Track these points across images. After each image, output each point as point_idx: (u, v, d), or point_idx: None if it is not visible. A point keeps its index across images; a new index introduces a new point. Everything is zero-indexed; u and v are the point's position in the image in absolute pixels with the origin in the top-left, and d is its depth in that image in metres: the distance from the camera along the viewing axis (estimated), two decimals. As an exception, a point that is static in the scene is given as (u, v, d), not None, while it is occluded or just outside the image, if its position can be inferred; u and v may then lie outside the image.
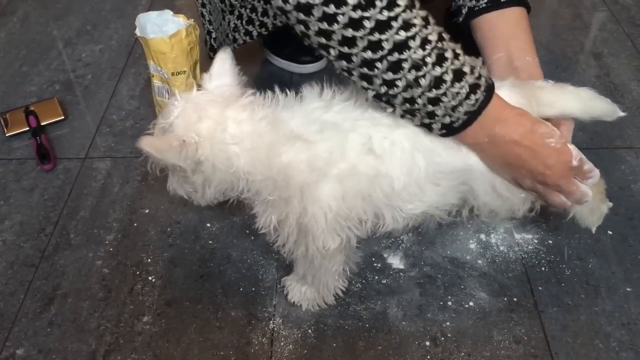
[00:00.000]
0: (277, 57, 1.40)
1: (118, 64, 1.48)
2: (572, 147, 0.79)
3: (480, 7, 0.98)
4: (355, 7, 0.65)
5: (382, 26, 0.66)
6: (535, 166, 0.78)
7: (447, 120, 0.74)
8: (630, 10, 1.61)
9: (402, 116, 0.75)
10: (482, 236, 1.05)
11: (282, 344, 0.91)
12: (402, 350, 0.90)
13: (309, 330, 0.92)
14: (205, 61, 1.31)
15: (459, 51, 0.72)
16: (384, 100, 0.74)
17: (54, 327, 0.94)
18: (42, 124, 1.29)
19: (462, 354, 0.89)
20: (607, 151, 1.21)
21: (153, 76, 1.14)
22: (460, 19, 1.02)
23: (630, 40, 1.50)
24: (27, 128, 1.27)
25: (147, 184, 1.16)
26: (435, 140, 0.78)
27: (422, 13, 0.70)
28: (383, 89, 0.72)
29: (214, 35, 1.30)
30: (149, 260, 1.03)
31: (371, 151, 0.77)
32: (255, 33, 1.19)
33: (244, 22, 1.17)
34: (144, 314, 0.95)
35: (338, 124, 0.77)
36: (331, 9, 0.65)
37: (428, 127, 0.76)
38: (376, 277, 0.99)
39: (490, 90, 0.75)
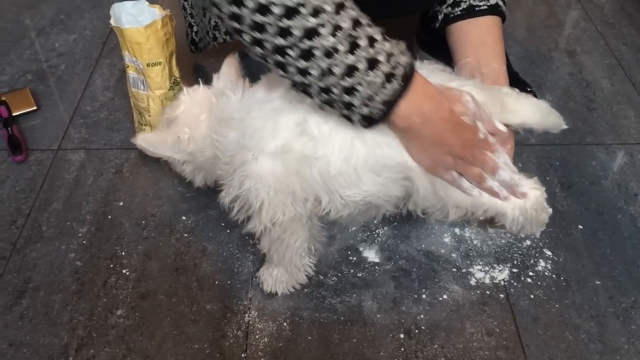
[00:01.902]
0: None
1: (92, 54, 1.46)
2: (479, 122, 0.81)
3: (455, 14, 1.01)
4: None
5: (290, 12, 0.65)
6: (454, 142, 0.78)
7: (366, 111, 0.73)
8: (603, 9, 1.64)
9: (322, 107, 0.75)
10: (457, 230, 1.06)
11: (257, 336, 0.91)
12: (377, 342, 0.90)
13: (284, 323, 0.93)
14: (182, 53, 1.30)
15: (377, 37, 0.71)
16: (301, 90, 0.73)
17: (25, 320, 0.93)
18: (13, 114, 1.26)
19: (436, 346, 0.90)
20: (578, 147, 1.23)
21: (128, 67, 1.12)
22: (437, 24, 1.05)
23: (602, 39, 1.53)
24: (-2, 118, 1.25)
25: (121, 177, 1.15)
26: (379, 133, 0.79)
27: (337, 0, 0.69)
28: (298, 78, 0.71)
29: (195, 29, 1.29)
30: (123, 253, 1.02)
31: (305, 132, 0.79)
32: None
33: None
34: (117, 307, 0.94)
35: (275, 108, 0.80)
36: None
37: (348, 119, 0.75)
38: (352, 271, 1.00)
39: (407, 77, 0.73)
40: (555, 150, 1.22)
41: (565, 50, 1.50)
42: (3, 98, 1.28)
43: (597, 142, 1.25)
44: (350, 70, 0.69)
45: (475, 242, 1.05)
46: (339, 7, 0.68)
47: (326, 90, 0.71)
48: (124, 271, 0.99)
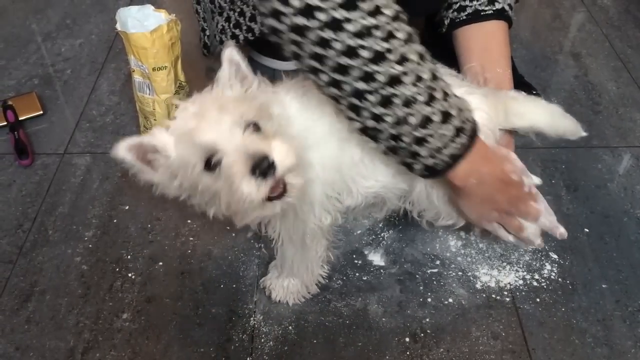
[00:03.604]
0: (261, 55, 1.40)
1: (98, 59, 1.46)
2: (525, 178, 0.83)
3: (461, 19, 1.01)
4: (353, 35, 0.63)
5: (378, 57, 0.64)
6: (502, 199, 0.81)
7: (430, 162, 0.73)
8: (608, 12, 1.64)
9: (385, 153, 0.75)
10: (462, 233, 1.06)
11: (262, 340, 0.91)
12: (382, 346, 0.90)
13: (290, 327, 0.93)
14: (191, 57, 1.31)
15: (448, 91, 0.72)
16: (369, 134, 0.72)
17: (31, 324, 0.93)
18: (20, 118, 1.27)
19: (441, 349, 0.90)
20: (584, 150, 1.22)
21: (134, 71, 1.13)
22: (443, 29, 1.05)
23: (608, 41, 1.53)
24: (5, 123, 1.26)
25: (127, 180, 1.15)
26: None
27: (419, 48, 0.69)
28: (371, 123, 0.70)
29: (207, 33, 1.29)
30: (129, 257, 1.02)
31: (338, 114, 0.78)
32: (241, 37, 1.19)
33: (231, 25, 1.17)
34: (123, 311, 0.94)
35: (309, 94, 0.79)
36: (327, 34, 0.63)
37: (409, 167, 0.75)
38: (357, 274, 1.00)
39: (474, 133, 0.74)
40: (561, 153, 1.21)
41: (571, 53, 1.49)
42: (10, 102, 1.29)
43: (603, 145, 1.24)
44: (426, 121, 0.69)
45: (480, 245, 1.04)
46: (421, 58, 0.68)
47: (396, 137, 0.70)
48: (129, 275, 0.99)
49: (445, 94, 0.71)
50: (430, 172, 0.75)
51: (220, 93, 0.71)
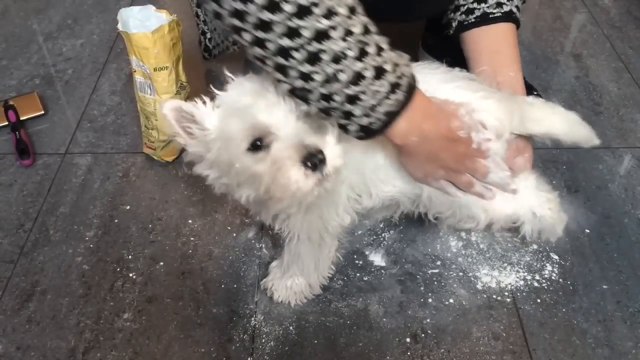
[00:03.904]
0: None
1: (99, 59, 1.46)
2: (474, 134, 0.80)
3: (469, 21, 1.00)
4: None
5: (303, 11, 0.61)
6: (448, 157, 0.78)
7: (365, 121, 0.70)
8: (609, 13, 1.64)
9: (319, 115, 0.70)
10: (463, 234, 1.06)
11: (263, 340, 0.91)
12: (383, 346, 0.90)
13: (291, 327, 0.93)
14: (191, 58, 1.31)
15: (383, 46, 0.68)
16: (298, 95, 0.68)
17: (32, 324, 0.93)
18: (21, 118, 1.27)
19: (442, 350, 0.90)
20: (585, 151, 1.22)
21: (135, 71, 1.13)
22: (451, 31, 1.04)
23: (609, 42, 1.53)
24: (6, 123, 1.26)
25: (128, 180, 1.16)
26: None
27: (349, 2, 0.64)
28: (299, 82, 0.66)
29: (208, 35, 1.29)
30: (130, 256, 1.02)
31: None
32: None
33: None
34: (124, 311, 0.95)
35: None
36: None
37: (344, 129, 0.72)
38: (358, 274, 1.00)
39: (411, 88, 0.71)
40: (562, 154, 1.21)
41: (572, 54, 1.49)
42: (11, 102, 1.29)
43: (604, 146, 1.24)
44: (357, 77, 0.66)
45: (481, 246, 1.04)
46: (352, 11, 0.64)
47: (328, 97, 0.67)
48: (130, 275, 1.00)
49: (379, 49, 0.67)
50: (366, 132, 0.71)
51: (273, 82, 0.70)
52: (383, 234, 1.06)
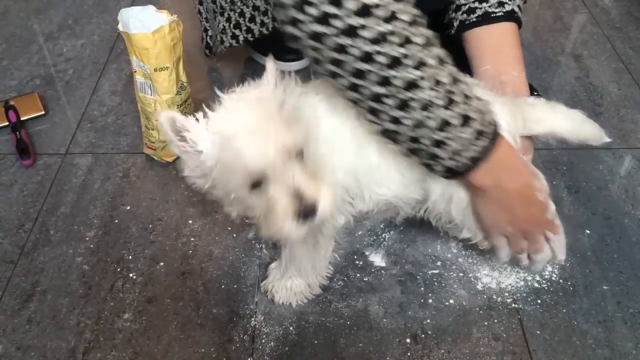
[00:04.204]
0: (262, 56, 1.40)
1: (100, 59, 1.46)
2: (550, 202, 0.83)
3: (471, 21, 1.01)
4: (369, 41, 0.64)
5: (395, 62, 0.66)
6: (521, 214, 0.80)
7: (450, 163, 0.74)
8: (610, 13, 1.64)
9: (406, 154, 0.76)
10: (463, 235, 1.06)
11: (263, 341, 0.91)
12: (383, 347, 0.90)
13: (291, 328, 0.93)
14: (192, 57, 1.31)
15: (469, 94, 0.72)
16: (390, 137, 0.74)
17: (32, 324, 0.93)
18: (22, 118, 1.27)
19: (442, 351, 0.90)
20: (586, 152, 1.22)
21: (135, 72, 1.13)
22: (452, 31, 1.05)
23: (609, 43, 1.53)
24: (7, 123, 1.26)
25: (128, 181, 1.16)
26: None
27: (439, 52, 0.69)
28: (390, 125, 0.71)
29: (210, 33, 1.30)
30: (130, 257, 1.02)
31: (359, 120, 0.78)
32: (241, 37, 1.20)
33: (231, 25, 1.17)
34: (124, 311, 0.95)
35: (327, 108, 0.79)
36: (344, 40, 0.65)
37: (430, 168, 0.76)
38: (358, 275, 1.00)
39: (495, 136, 0.75)
40: (562, 155, 1.21)
41: (572, 55, 1.49)
42: (11, 103, 1.29)
43: (604, 147, 1.23)
44: (444, 124, 0.70)
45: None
46: (441, 62, 0.69)
47: (416, 140, 0.72)
48: (130, 275, 1.00)
49: (466, 97, 0.71)
50: (451, 173, 0.76)
51: (270, 104, 0.70)
52: (383, 235, 1.06)
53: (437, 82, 0.68)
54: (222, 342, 0.91)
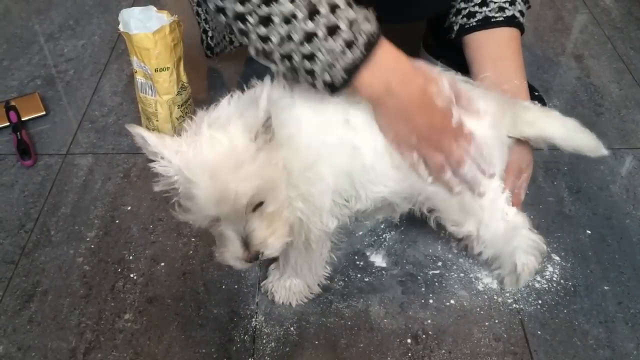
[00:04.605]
0: None
1: (101, 60, 1.46)
2: (454, 109, 0.80)
3: (471, 25, 1.00)
4: None
5: None
6: (422, 122, 0.77)
7: (327, 77, 0.72)
8: (610, 14, 1.64)
9: (285, 75, 0.75)
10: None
11: (264, 341, 0.91)
12: (384, 347, 0.90)
13: (291, 328, 0.93)
14: (192, 58, 1.31)
15: (339, 3, 0.70)
16: (264, 57, 0.73)
17: (33, 324, 0.93)
18: (22, 119, 1.27)
19: (443, 351, 0.90)
20: (587, 152, 1.22)
21: (136, 72, 1.13)
22: (453, 35, 1.04)
23: (610, 43, 1.53)
24: (8, 123, 1.26)
25: (129, 181, 1.16)
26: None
27: None
28: (259, 45, 0.71)
29: (210, 34, 1.30)
30: (131, 257, 1.02)
31: (348, 123, 0.78)
32: None
33: None
34: (125, 312, 0.95)
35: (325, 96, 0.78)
36: None
37: (313, 86, 0.75)
38: (358, 275, 1.00)
39: (372, 45, 0.72)
40: (563, 155, 1.21)
41: (573, 55, 1.49)
42: (12, 103, 1.29)
43: (605, 147, 1.24)
44: (309, 37, 0.69)
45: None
46: None
47: (287, 57, 0.71)
48: (131, 275, 1.00)
49: (334, 7, 0.69)
50: (331, 88, 0.74)
51: (240, 142, 0.69)
52: (384, 235, 1.06)
53: None
54: (223, 342, 0.91)
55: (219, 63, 1.42)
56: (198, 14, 1.28)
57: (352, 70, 0.72)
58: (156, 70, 1.10)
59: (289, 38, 0.69)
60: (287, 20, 0.68)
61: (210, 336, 0.91)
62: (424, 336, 0.92)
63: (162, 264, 1.01)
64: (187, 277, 0.99)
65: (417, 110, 0.77)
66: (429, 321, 0.94)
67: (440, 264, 1.02)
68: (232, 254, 0.73)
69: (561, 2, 1.68)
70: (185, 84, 1.17)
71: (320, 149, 0.78)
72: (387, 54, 0.74)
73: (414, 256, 1.03)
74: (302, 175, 0.77)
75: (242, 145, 0.69)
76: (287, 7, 0.68)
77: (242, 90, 0.79)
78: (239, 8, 0.69)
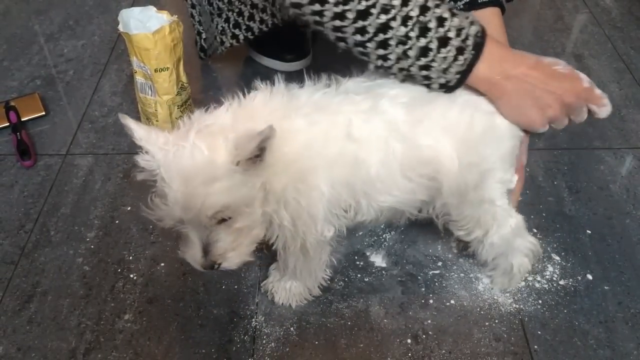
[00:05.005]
0: (261, 56, 1.40)
1: (101, 60, 1.46)
2: (580, 73, 0.82)
3: (458, 8, 1.00)
4: (336, 3, 0.75)
5: (362, 14, 0.75)
6: (553, 89, 0.80)
7: (443, 80, 0.80)
8: (610, 13, 1.64)
9: (404, 80, 0.82)
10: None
11: (264, 341, 0.91)
12: (384, 347, 0.90)
13: (291, 328, 0.92)
14: (190, 59, 1.31)
15: (445, 15, 0.77)
16: (384, 71, 0.81)
17: (33, 324, 0.93)
18: (22, 119, 1.27)
19: (443, 351, 0.90)
20: (587, 151, 1.22)
21: (136, 72, 1.13)
22: None
23: (610, 42, 1.52)
24: (8, 124, 1.26)
25: (129, 181, 1.16)
26: (412, 129, 0.79)
27: None
28: (380, 62, 0.80)
29: (204, 36, 1.30)
30: (131, 257, 1.02)
31: (350, 136, 0.78)
32: (241, 37, 1.20)
33: (230, 25, 1.17)
34: (125, 312, 0.94)
35: (325, 106, 0.79)
36: (317, 7, 0.76)
37: (428, 87, 0.82)
38: (358, 275, 1.00)
39: (480, 45, 0.79)
40: (563, 155, 1.21)
41: (573, 54, 1.49)
42: (12, 103, 1.29)
43: (606, 147, 1.24)
44: (424, 51, 0.77)
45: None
46: (404, 1, 0.75)
47: (404, 70, 0.80)
48: (131, 276, 1.00)
49: (441, 21, 0.77)
50: (447, 88, 0.81)
51: (221, 159, 0.69)
52: (384, 235, 1.06)
53: (407, 17, 0.76)
54: (223, 342, 0.91)
55: (218, 63, 1.42)
56: (192, 16, 1.29)
57: (466, 71, 0.79)
58: (156, 71, 1.10)
59: (406, 55, 0.78)
60: (402, 41, 0.77)
61: (210, 336, 0.91)
62: (424, 336, 0.92)
63: (162, 264, 1.01)
64: (187, 278, 0.99)
65: (541, 81, 0.80)
66: (429, 321, 0.94)
67: (440, 264, 1.02)
68: (191, 256, 0.76)
69: (561, 1, 1.68)
70: (185, 84, 1.17)
71: (314, 161, 0.77)
72: (495, 47, 0.80)
73: (414, 256, 1.03)
74: (292, 187, 0.77)
75: (221, 162, 0.69)
76: (401, 31, 0.76)
77: (242, 91, 0.79)
78: (358, 38, 0.78)
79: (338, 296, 0.97)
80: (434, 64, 0.78)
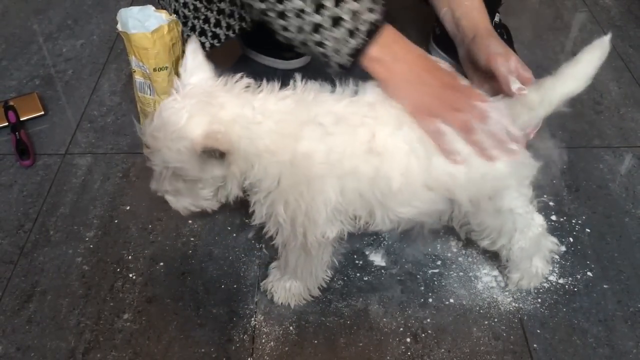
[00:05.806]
0: (260, 55, 1.40)
1: (99, 59, 1.46)
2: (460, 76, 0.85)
3: None
4: None
5: None
6: (434, 81, 0.82)
7: (337, 59, 0.83)
8: (610, 12, 1.64)
9: (309, 54, 0.88)
10: (463, 234, 1.05)
11: (263, 340, 0.91)
12: (383, 346, 0.90)
13: (291, 327, 0.92)
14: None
15: None
16: (291, 43, 0.86)
17: (32, 324, 0.93)
18: (21, 119, 1.27)
19: (442, 350, 0.90)
20: (586, 150, 1.22)
21: (135, 72, 1.13)
22: None
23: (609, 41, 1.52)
24: (6, 123, 1.26)
25: (128, 181, 1.16)
26: (430, 144, 0.78)
27: None
28: (283, 33, 0.85)
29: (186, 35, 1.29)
30: (130, 257, 1.02)
31: (372, 150, 0.76)
32: (207, 44, 1.19)
33: (196, 33, 1.17)
34: (124, 312, 0.94)
35: (347, 117, 0.78)
36: None
37: (328, 65, 0.85)
38: (358, 274, 1.00)
39: (372, 33, 0.80)
40: (563, 154, 1.21)
41: (572, 53, 1.47)
42: (11, 103, 1.29)
43: (605, 145, 1.24)
44: (317, 27, 0.81)
45: (482, 245, 1.04)
46: None
47: (304, 43, 0.84)
48: (130, 275, 0.99)
49: (338, 2, 0.79)
50: (343, 68, 0.84)
51: (190, 131, 0.74)
52: (383, 234, 1.06)
53: None
54: (222, 342, 0.91)
55: (216, 60, 1.42)
56: (177, 13, 1.28)
57: (356, 54, 0.81)
58: (155, 70, 1.09)
59: (302, 29, 0.82)
60: (298, 14, 0.81)
61: (209, 336, 0.91)
62: (423, 335, 0.92)
63: (161, 263, 1.01)
64: (186, 277, 0.99)
65: (425, 72, 0.83)
66: (428, 320, 0.94)
67: (439, 262, 1.02)
68: (154, 182, 0.84)
69: (560, 0, 1.68)
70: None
71: (324, 170, 0.76)
72: (391, 37, 0.83)
73: (413, 255, 1.03)
74: (295, 189, 0.77)
75: (191, 137, 0.74)
76: (297, 4, 0.80)
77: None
78: (260, 6, 0.83)
79: (337, 295, 0.97)
80: (326, 42, 0.81)
